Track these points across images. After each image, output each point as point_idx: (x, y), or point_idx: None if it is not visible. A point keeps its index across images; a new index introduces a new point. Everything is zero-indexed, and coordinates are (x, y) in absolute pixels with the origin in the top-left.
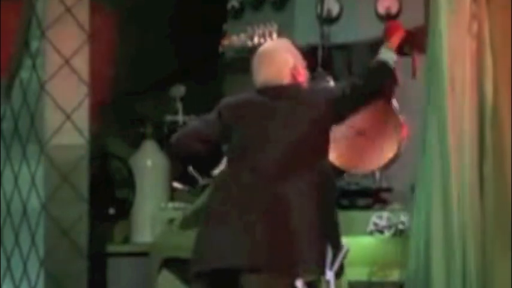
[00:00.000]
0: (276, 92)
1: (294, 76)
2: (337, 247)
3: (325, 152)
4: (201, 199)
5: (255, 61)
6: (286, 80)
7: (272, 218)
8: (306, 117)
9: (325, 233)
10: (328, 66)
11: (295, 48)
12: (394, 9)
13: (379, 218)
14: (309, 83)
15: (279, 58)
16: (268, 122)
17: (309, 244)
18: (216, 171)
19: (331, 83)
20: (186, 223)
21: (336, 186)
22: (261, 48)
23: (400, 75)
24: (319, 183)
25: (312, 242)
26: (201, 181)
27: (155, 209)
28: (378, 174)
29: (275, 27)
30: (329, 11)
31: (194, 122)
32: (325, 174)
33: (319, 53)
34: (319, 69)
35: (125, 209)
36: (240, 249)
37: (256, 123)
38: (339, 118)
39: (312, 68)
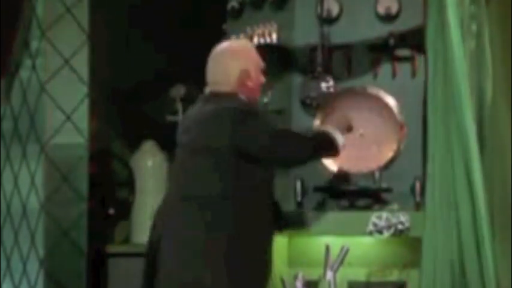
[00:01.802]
0: (207, 103)
1: (242, 81)
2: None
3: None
4: None
5: (208, 63)
6: (233, 87)
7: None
8: (208, 139)
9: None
10: (328, 67)
11: (254, 51)
12: (394, 9)
13: (378, 218)
14: (235, 109)
15: (227, 62)
16: (184, 139)
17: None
18: None
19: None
20: None
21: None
22: (215, 48)
23: (401, 75)
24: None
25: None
26: None
27: (155, 209)
28: (377, 174)
29: (275, 27)
30: (329, 11)
31: None
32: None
33: (319, 53)
34: (319, 69)
35: (125, 209)
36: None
37: (180, 139)
38: (254, 159)
39: (311, 68)
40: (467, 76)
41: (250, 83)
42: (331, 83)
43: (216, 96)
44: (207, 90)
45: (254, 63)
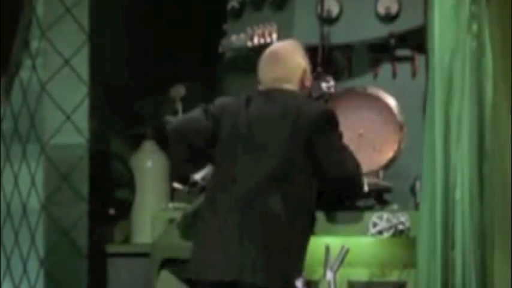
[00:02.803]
0: (278, 96)
1: (303, 79)
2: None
3: (304, 176)
4: (199, 200)
5: (265, 59)
6: (295, 85)
7: (248, 231)
8: (295, 133)
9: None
10: (328, 67)
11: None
12: (394, 9)
13: (378, 218)
14: (317, 102)
15: (293, 61)
16: (255, 128)
17: (289, 256)
18: (198, 176)
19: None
20: (184, 224)
21: (310, 210)
22: (274, 48)
23: (401, 75)
24: (288, 205)
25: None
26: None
27: (155, 209)
28: (381, 174)
29: (275, 27)
30: (329, 11)
31: (193, 113)
32: (297, 198)
33: (319, 53)
34: (319, 69)
35: (124, 209)
36: (225, 262)
37: (242, 129)
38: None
39: (312, 68)
40: (467, 76)
41: (307, 82)
42: (331, 83)
43: (284, 92)
44: (263, 87)
45: (307, 63)
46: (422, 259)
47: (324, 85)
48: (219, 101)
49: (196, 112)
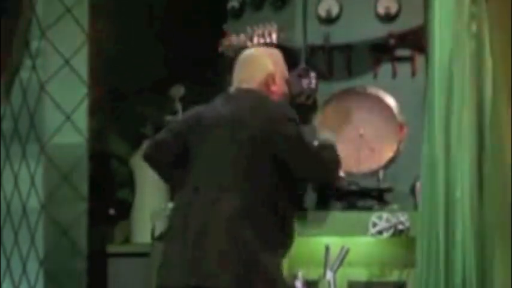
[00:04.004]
0: (235, 97)
1: (267, 83)
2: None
3: (272, 182)
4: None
5: (237, 63)
6: (256, 85)
7: (209, 238)
8: (251, 133)
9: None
10: (328, 67)
11: (282, 60)
12: (393, 10)
13: (378, 218)
14: (281, 106)
15: (257, 63)
16: (213, 132)
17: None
18: None
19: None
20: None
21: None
22: (245, 52)
23: (401, 75)
24: (255, 208)
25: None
26: None
27: (155, 209)
28: (381, 174)
29: (275, 27)
30: (329, 11)
31: (162, 133)
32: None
33: (303, 51)
34: (302, 65)
35: (125, 209)
36: (188, 269)
37: (204, 136)
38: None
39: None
40: (467, 76)
41: (274, 88)
42: (313, 80)
43: (243, 92)
44: (231, 89)
45: (280, 70)
46: (423, 259)
47: (305, 82)
48: (188, 112)
49: (163, 131)
